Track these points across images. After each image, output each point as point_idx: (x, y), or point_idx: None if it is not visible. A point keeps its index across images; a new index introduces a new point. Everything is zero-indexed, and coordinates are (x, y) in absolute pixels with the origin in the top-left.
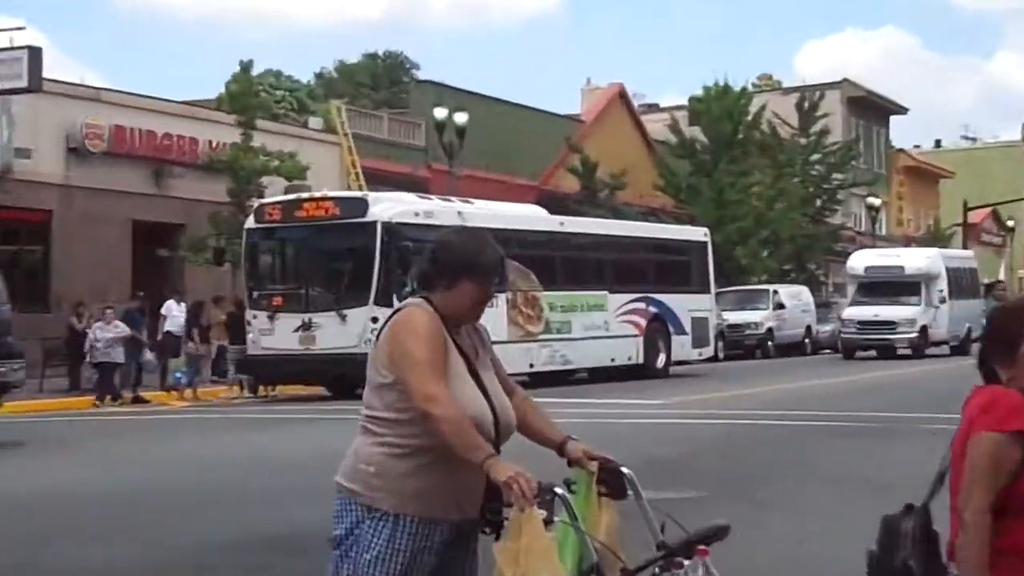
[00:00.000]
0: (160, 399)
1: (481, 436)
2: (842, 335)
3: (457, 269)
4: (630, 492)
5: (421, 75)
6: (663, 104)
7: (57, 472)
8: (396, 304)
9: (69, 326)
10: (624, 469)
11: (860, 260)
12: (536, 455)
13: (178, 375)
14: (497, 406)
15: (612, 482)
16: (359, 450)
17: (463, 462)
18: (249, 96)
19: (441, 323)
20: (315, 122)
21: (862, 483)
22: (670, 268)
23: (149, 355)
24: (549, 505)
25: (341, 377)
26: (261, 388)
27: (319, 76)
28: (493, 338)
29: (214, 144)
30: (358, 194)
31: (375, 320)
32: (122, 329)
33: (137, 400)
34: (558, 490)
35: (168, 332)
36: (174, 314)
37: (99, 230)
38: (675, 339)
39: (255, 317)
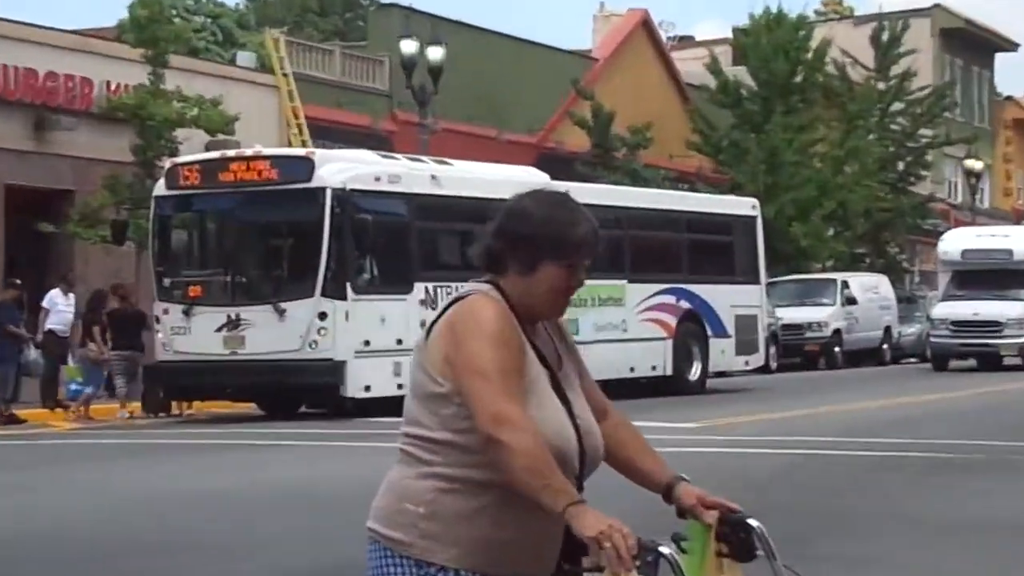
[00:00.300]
0: (41, 418)
1: (563, 473)
2: (932, 339)
3: (539, 247)
4: (759, 551)
5: None
6: (699, 37)
7: None
8: (350, 295)
9: None
10: (752, 521)
11: (955, 242)
12: (627, 496)
13: (74, 386)
14: (583, 431)
15: (736, 538)
16: (400, 484)
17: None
18: (159, 24)
19: (515, 318)
20: (245, 58)
21: (967, 531)
22: (708, 251)
23: (34, 353)
24: (652, 569)
25: (278, 390)
26: (175, 405)
27: None
28: None
29: (113, 86)
30: (301, 152)
31: (323, 316)
32: None
33: (11, 420)
34: (664, 549)
35: (50, 331)
36: (59, 308)
37: None
38: (714, 343)
39: (166, 312)
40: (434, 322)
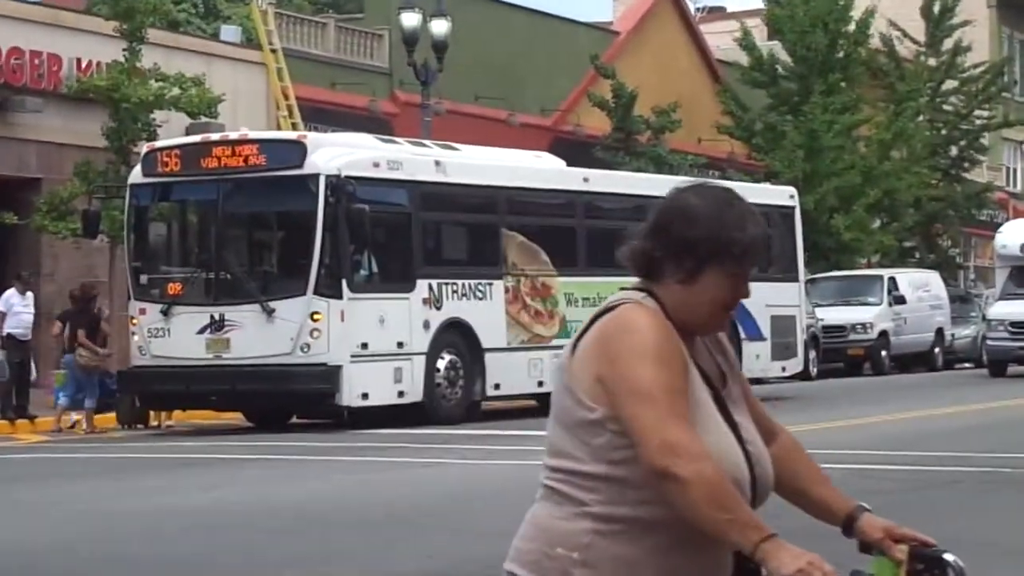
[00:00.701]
0: (2, 430)
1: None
2: (988, 342)
3: (704, 252)
4: None
5: None
6: (731, 7)
7: None
8: (346, 293)
9: None
10: (949, 556)
11: (1014, 234)
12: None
13: (62, 398)
14: (754, 458)
15: None
16: (549, 524)
17: (713, 543)
18: None
19: (675, 332)
20: (230, 32)
21: None
22: None
23: (0, 355)
24: None
25: (267, 399)
26: (152, 415)
27: None
28: (487, 342)
29: (84, 64)
30: (292, 135)
31: (315, 316)
32: None
33: None
34: None
35: (9, 335)
36: (16, 309)
37: None
38: (747, 347)
39: (143, 312)
40: (580, 337)
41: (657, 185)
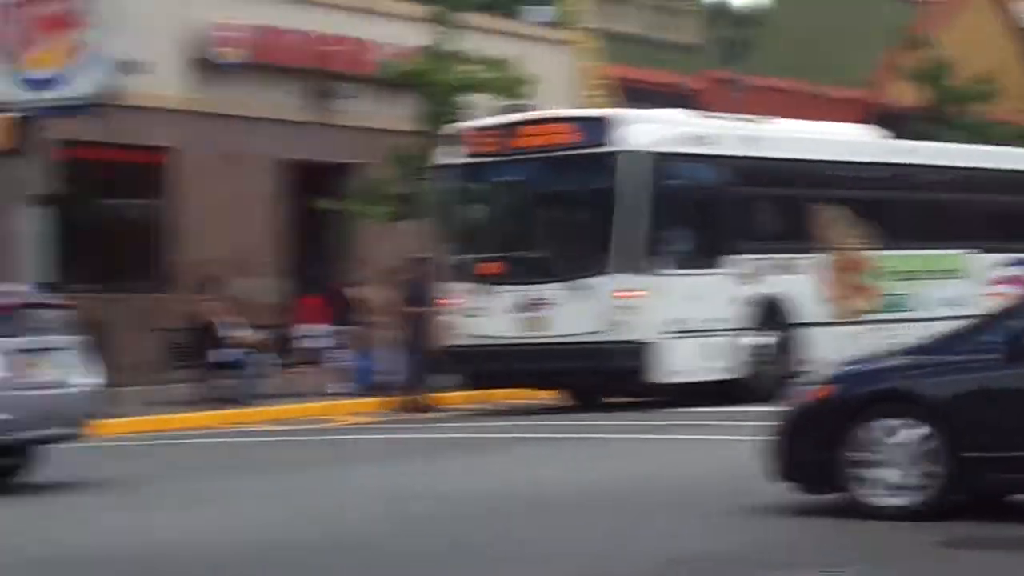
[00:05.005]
0: (316, 412)
1: None
2: None
3: None
4: None
5: None
6: None
7: (166, 525)
8: (657, 270)
9: (193, 313)
10: None
11: None
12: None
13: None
14: None
15: None
16: None
17: None
18: None
19: None
20: (540, 12)
21: None
22: None
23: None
24: None
25: (578, 378)
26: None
27: None
28: (801, 317)
29: (396, 50)
30: (601, 113)
31: (626, 294)
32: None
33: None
34: None
35: None
36: None
37: (234, 174)
38: None
39: (455, 293)
40: None
41: (985, 157)
